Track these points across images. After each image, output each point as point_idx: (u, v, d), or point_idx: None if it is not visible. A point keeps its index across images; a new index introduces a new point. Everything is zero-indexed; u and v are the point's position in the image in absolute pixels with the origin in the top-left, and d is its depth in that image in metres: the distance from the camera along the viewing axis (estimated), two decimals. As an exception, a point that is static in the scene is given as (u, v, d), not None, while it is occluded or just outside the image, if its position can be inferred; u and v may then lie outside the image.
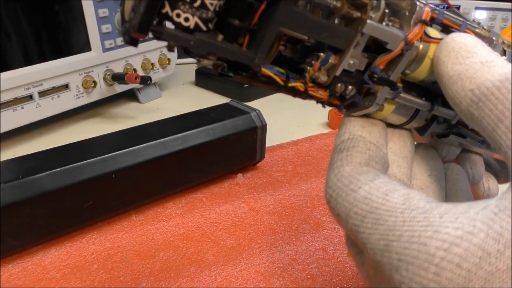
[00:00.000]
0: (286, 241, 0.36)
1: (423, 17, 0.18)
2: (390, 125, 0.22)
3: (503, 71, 0.15)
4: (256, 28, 0.16)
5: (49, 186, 0.32)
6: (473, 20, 0.21)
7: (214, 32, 0.16)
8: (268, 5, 0.16)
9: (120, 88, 0.59)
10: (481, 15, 0.70)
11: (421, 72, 0.19)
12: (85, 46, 0.54)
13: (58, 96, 0.52)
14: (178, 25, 0.15)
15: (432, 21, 0.19)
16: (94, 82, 0.55)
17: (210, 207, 0.40)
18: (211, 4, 0.15)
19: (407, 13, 0.18)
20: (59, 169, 0.33)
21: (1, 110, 0.46)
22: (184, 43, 0.15)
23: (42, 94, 0.50)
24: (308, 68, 0.19)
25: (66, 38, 0.52)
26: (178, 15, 0.15)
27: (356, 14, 0.17)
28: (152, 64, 0.63)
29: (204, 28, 0.16)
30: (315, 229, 0.38)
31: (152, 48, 0.63)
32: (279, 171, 0.47)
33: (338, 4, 0.17)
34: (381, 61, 0.18)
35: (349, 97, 0.19)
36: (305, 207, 0.41)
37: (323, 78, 0.18)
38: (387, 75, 0.19)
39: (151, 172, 0.38)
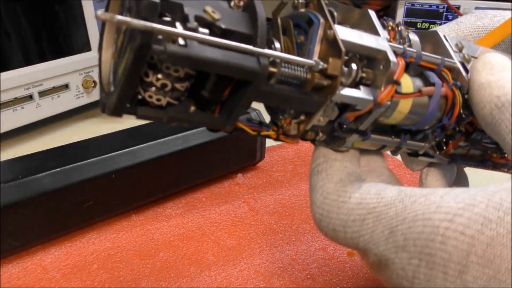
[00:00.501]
0: (286, 241, 0.36)
1: (395, 77, 0.18)
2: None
3: None
4: (226, 99, 0.17)
5: (49, 186, 0.32)
6: (456, 45, 0.21)
7: (186, 100, 0.16)
8: (238, 83, 0.16)
9: (120, 88, 0.59)
10: (481, 15, 0.70)
11: (392, 120, 0.20)
12: (85, 46, 0.54)
13: (58, 96, 0.52)
14: (150, 104, 0.16)
15: (408, 66, 0.19)
16: (94, 82, 0.55)
17: (210, 207, 0.40)
18: (182, 87, 0.16)
19: (381, 67, 0.18)
20: (59, 169, 0.33)
21: (1, 110, 0.46)
22: (157, 120, 0.16)
23: (42, 94, 0.50)
24: (280, 117, 0.19)
25: (66, 38, 0.52)
26: (150, 96, 0.15)
27: (327, 82, 0.17)
28: (152, 64, 0.63)
29: (175, 103, 0.16)
30: (315, 229, 0.38)
31: (152, 48, 0.63)
32: (279, 171, 0.47)
33: (309, 76, 0.17)
34: (350, 115, 0.19)
35: (319, 140, 0.20)
36: (305, 207, 0.41)
37: (293, 132, 0.19)
38: (356, 124, 0.19)
39: (151, 172, 0.38)
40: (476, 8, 0.70)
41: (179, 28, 0.14)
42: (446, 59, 0.20)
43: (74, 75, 0.53)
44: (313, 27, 0.18)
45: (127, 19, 0.13)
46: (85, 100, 0.55)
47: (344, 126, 0.19)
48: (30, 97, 0.49)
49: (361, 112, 0.18)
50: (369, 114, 0.19)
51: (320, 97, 0.17)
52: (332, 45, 0.17)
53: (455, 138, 0.22)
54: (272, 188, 0.44)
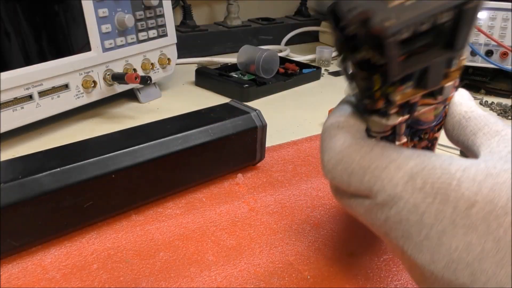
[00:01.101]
0: (286, 241, 0.36)
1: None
2: None
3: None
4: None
5: (49, 186, 0.32)
6: None
7: None
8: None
9: (120, 88, 0.59)
10: (481, 15, 0.70)
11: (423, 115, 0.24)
12: (85, 46, 0.54)
13: (58, 96, 0.52)
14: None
15: None
16: (94, 82, 0.55)
17: (210, 207, 0.40)
18: None
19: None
20: (59, 169, 0.33)
21: (1, 110, 0.46)
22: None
23: (42, 94, 0.50)
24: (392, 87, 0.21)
25: (66, 38, 0.52)
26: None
27: None
28: (152, 64, 0.63)
29: None
30: (315, 229, 0.38)
31: (152, 48, 0.63)
32: (279, 171, 0.47)
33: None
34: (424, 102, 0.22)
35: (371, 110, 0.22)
36: (305, 207, 0.41)
37: (397, 97, 0.21)
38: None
39: (151, 172, 0.38)
40: (476, 8, 0.70)
41: None
42: None
43: (74, 75, 0.53)
44: None
45: None
46: (85, 100, 0.55)
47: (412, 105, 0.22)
48: (30, 97, 0.49)
49: (437, 102, 0.22)
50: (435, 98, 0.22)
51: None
52: None
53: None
54: (272, 188, 0.44)
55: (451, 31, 0.18)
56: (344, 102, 0.24)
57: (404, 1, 0.17)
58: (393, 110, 0.21)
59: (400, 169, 0.20)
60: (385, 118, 0.21)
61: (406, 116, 0.21)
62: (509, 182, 0.18)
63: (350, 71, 0.21)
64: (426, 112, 0.23)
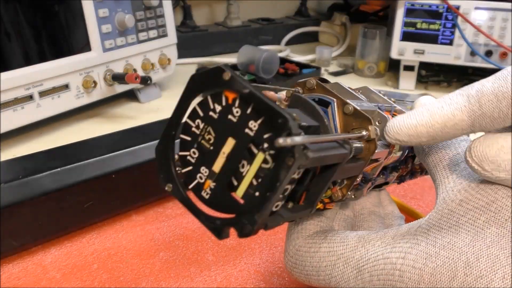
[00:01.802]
0: (286, 241, 0.36)
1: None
2: None
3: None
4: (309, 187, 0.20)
5: (49, 186, 0.32)
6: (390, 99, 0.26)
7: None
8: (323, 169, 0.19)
9: (120, 88, 0.59)
10: (481, 15, 0.70)
11: (390, 160, 0.25)
12: (85, 46, 0.54)
13: (58, 96, 0.52)
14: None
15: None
16: (94, 82, 0.55)
17: (210, 207, 0.40)
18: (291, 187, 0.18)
19: (377, 123, 0.22)
20: (59, 169, 0.33)
21: (1, 110, 0.46)
22: (277, 226, 0.19)
23: (42, 94, 0.50)
24: (329, 190, 0.22)
25: (66, 38, 0.52)
26: (276, 206, 0.18)
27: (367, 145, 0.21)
28: (152, 64, 0.63)
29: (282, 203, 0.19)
30: (315, 229, 0.38)
31: (152, 48, 0.63)
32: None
33: (365, 145, 0.20)
34: (368, 168, 0.23)
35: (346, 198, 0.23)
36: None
37: (338, 196, 0.22)
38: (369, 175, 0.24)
39: (151, 172, 0.38)
40: (476, 8, 0.70)
41: (304, 136, 0.16)
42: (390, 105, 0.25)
43: (74, 75, 0.53)
44: (330, 106, 0.21)
45: (295, 138, 0.15)
46: (85, 100, 0.55)
47: (364, 178, 0.23)
48: (30, 97, 0.49)
49: (379, 163, 0.22)
50: (377, 161, 0.22)
51: (362, 160, 0.21)
52: (354, 115, 0.20)
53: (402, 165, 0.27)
54: (272, 188, 0.44)
55: None
56: None
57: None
58: (348, 196, 0.22)
59: (348, 264, 0.21)
60: (349, 199, 0.23)
61: (368, 185, 0.23)
62: (448, 262, 0.18)
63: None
64: (378, 166, 0.23)
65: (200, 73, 0.18)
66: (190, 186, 0.19)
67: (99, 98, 0.57)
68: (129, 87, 0.61)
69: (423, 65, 0.74)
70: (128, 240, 0.35)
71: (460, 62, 0.71)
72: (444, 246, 0.18)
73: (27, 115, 0.49)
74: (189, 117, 0.19)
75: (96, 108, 0.61)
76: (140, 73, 0.61)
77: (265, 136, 0.16)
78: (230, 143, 0.17)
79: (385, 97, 0.26)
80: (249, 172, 0.17)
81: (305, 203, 0.19)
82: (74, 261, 0.33)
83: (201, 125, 0.18)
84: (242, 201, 0.17)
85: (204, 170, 0.18)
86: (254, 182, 0.17)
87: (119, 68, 0.58)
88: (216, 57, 0.88)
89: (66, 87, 0.53)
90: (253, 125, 0.16)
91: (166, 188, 0.19)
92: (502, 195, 0.19)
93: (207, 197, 0.18)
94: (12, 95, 0.47)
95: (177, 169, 0.19)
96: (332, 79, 0.82)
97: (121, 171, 0.35)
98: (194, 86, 0.19)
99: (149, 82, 0.56)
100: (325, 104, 0.21)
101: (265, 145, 0.16)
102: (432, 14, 0.72)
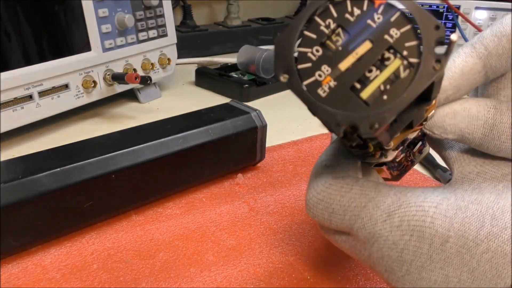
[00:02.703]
0: (286, 241, 0.36)
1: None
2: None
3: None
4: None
5: (49, 186, 0.32)
6: None
7: None
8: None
9: (120, 88, 0.59)
10: (481, 15, 0.70)
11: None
12: (85, 46, 0.54)
13: (58, 96, 0.52)
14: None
15: None
16: (94, 82, 0.55)
17: (210, 207, 0.40)
18: None
19: None
20: (59, 169, 0.33)
21: (1, 110, 0.46)
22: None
23: (42, 94, 0.50)
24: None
25: (66, 38, 0.52)
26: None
27: None
28: (152, 64, 0.63)
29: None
30: (315, 229, 0.38)
31: (152, 48, 0.63)
32: (279, 171, 0.47)
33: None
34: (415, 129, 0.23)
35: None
36: (305, 207, 0.41)
37: (390, 146, 0.22)
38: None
39: (151, 172, 0.38)
40: (476, 8, 0.70)
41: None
42: None
43: (74, 75, 0.53)
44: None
45: None
46: (85, 100, 0.55)
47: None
48: (30, 97, 0.49)
49: (421, 127, 0.22)
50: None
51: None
52: None
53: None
54: (272, 188, 0.44)
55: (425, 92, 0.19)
56: (336, 141, 0.26)
57: (379, 88, 0.17)
58: (389, 151, 0.22)
59: (378, 208, 0.21)
60: (383, 157, 0.23)
61: (401, 148, 0.23)
62: (477, 214, 0.19)
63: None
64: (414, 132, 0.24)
65: None
66: (306, 83, 0.18)
67: (99, 98, 0.57)
68: (129, 87, 0.61)
69: (423, 65, 0.74)
70: (128, 240, 0.35)
71: (460, 62, 0.71)
72: (472, 201, 0.19)
73: (27, 115, 0.49)
74: (319, 15, 0.18)
75: (96, 108, 0.61)
76: (140, 73, 0.61)
77: (408, 44, 0.16)
78: (366, 46, 0.17)
79: None
80: (379, 77, 0.17)
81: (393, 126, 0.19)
82: (74, 261, 0.33)
83: (332, 25, 0.18)
84: (366, 104, 0.17)
85: (325, 68, 0.18)
86: (383, 88, 0.17)
87: (119, 68, 0.58)
88: (216, 57, 0.88)
89: (66, 87, 0.53)
90: (395, 32, 0.17)
91: (281, 79, 0.18)
92: None
93: (323, 95, 0.18)
94: (12, 95, 0.47)
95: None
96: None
97: (121, 171, 0.35)
98: None
99: (149, 82, 0.56)
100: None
101: (405, 53, 0.16)
102: (432, 14, 0.72)
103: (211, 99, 0.68)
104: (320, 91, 0.18)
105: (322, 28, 0.18)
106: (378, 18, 0.17)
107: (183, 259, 0.34)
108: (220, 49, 0.92)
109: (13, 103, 0.47)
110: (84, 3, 0.53)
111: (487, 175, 0.21)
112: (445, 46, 0.16)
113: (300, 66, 0.18)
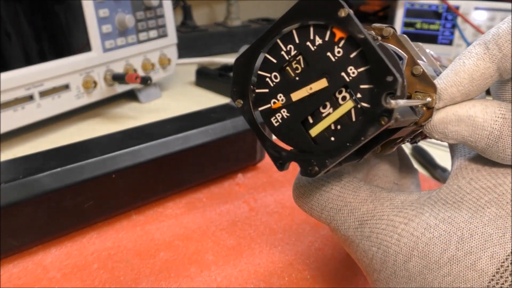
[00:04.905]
0: (286, 241, 0.36)
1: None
2: None
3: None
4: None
5: (49, 186, 0.32)
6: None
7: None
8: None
9: (120, 88, 0.59)
10: (480, 16, 0.70)
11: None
12: (86, 46, 0.54)
13: (59, 96, 0.52)
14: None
15: None
16: (95, 82, 0.55)
17: (210, 207, 0.40)
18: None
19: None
20: (59, 169, 0.33)
21: (2, 110, 0.46)
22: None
23: (43, 94, 0.50)
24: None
25: (66, 38, 0.52)
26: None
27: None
28: (152, 64, 0.63)
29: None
30: (315, 229, 0.38)
31: (152, 48, 0.63)
32: (279, 171, 0.47)
33: (425, 111, 0.20)
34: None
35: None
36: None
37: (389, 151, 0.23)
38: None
39: (151, 172, 0.38)
40: (476, 8, 0.70)
41: (405, 100, 0.16)
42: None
43: (74, 75, 0.53)
44: (401, 62, 0.19)
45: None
46: (85, 100, 0.55)
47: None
48: (30, 97, 0.49)
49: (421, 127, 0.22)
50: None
51: (415, 126, 0.20)
52: (420, 78, 0.19)
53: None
54: (272, 188, 0.44)
55: None
56: None
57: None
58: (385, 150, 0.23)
59: (353, 214, 0.21)
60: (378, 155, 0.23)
61: (396, 146, 0.23)
62: (444, 235, 0.19)
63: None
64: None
65: (313, 1, 0.17)
66: (261, 109, 0.18)
67: (99, 98, 0.57)
68: (129, 87, 0.61)
69: (423, 65, 0.74)
70: (128, 240, 0.35)
71: (460, 62, 0.71)
72: (444, 219, 0.19)
73: (28, 115, 0.49)
74: (281, 39, 0.18)
75: (96, 108, 0.61)
76: (140, 73, 0.61)
77: (363, 86, 0.16)
78: (321, 83, 0.17)
79: (434, 59, 0.24)
80: (331, 115, 0.17)
81: (354, 154, 0.19)
82: (74, 261, 0.33)
83: (293, 52, 0.17)
84: (314, 141, 0.17)
85: (280, 97, 0.17)
86: (333, 127, 0.17)
87: (119, 68, 0.58)
88: (216, 57, 0.89)
89: (66, 87, 0.53)
90: (352, 71, 0.16)
91: (236, 104, 0.18)
92: (510, 179, 0.19)
93: (276, 124, 0.18)
94: (13, 95, 0.47)
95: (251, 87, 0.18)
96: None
97: (121, 171, 0.35)
98: (300, 11, 0.17)
99: (149, 82, 0.56)
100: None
101: (359, 95, 0.16)
102: (432, 14, 0.72)
103: (211, 99, 0.68)
104: (273, 120, 0.18)
105: (283, 53, 0.18)
106: (338, 52, 0.16)
107: (183, 259, 0.34)
108: (220, 49, 0.92)
109: (14, 103, 0.47)
110: (84, 4, 0.53)
111: (478, 183, 0.20)
112: (405, 100, 0.16)
113: (257, 91, 0.18)
